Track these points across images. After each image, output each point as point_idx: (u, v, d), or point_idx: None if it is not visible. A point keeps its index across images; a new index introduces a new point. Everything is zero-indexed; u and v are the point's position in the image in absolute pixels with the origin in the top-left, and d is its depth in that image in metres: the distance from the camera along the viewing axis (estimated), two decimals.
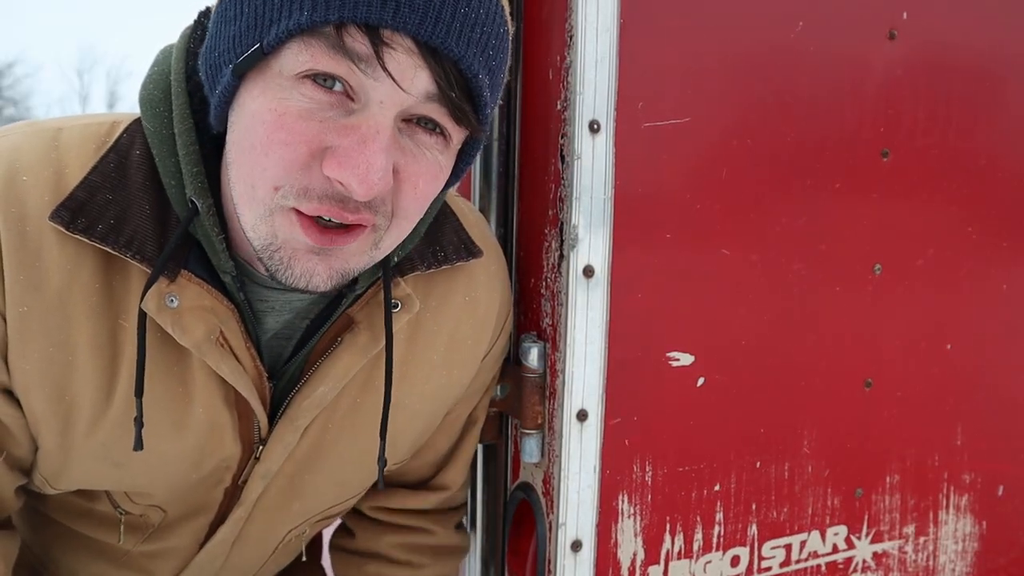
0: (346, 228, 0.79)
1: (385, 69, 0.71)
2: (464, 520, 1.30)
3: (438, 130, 0.79)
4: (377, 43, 0.70)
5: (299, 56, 0.72)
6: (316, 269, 0.79)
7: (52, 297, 0.81)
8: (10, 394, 0.86)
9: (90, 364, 0.84)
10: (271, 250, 0.78)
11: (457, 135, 0.81)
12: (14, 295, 0.80)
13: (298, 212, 0.76)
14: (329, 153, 0.73)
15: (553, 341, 1.11)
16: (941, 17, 1.26)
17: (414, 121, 0.78)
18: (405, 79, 0.73)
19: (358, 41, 0.71)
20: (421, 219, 0.96)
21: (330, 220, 0.77)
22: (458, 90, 0.75)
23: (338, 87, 0.74)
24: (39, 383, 0.84)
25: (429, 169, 0.80)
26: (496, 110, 0.89)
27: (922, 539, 1.39)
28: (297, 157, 0.74)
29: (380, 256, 0.85)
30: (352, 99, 0.74)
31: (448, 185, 0.89)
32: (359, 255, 0.82)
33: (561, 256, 1.08)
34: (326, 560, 1.32)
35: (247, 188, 0.77)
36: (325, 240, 0.77)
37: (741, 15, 1.12)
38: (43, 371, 0.83)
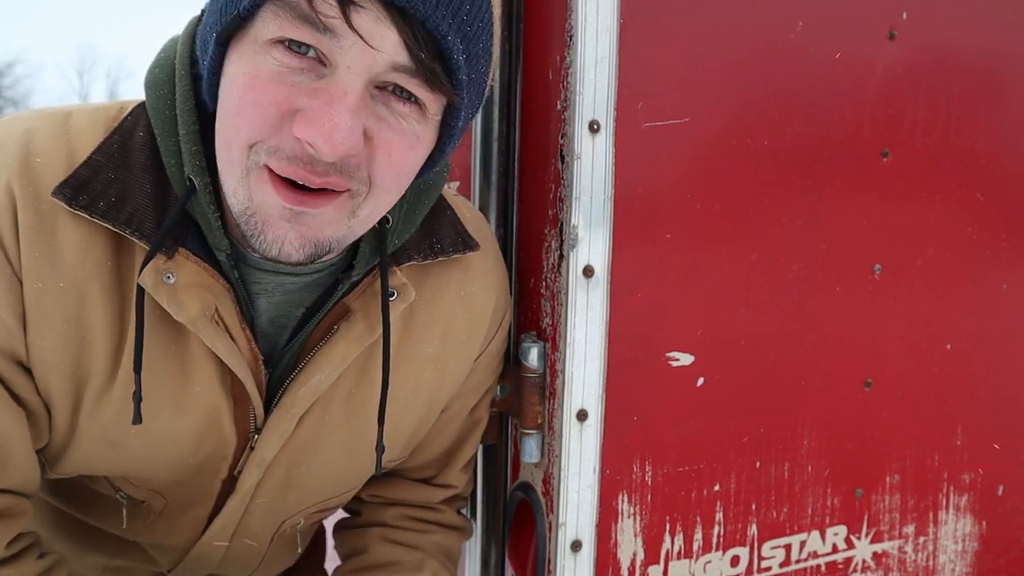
0: (318, 192, 0.80)
1: (353, 28, 0.73)
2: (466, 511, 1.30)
3: (413, 99, 0.80)
4: (345, 4, 0.72)
5: (270, 25, 0.74)
6: (288, 236, 0.80)
7: (67, 274, 0.83)
8: (28, 371, 0.87)
9: (101, 343, 0.86)
10: (247, 215, 0.80)
11: (432, 104, 0.81)
12: (30, 271, 0.82)
13: (270, 171, 0.78)
14: (298, 115, 0.75)
15: (553, 341, 1.11)
16: (941, 17, 1.26)
17: (388, 89, 0.79)
18: (373, 39, 0.74)
19: (326, 2, 0.72)
20: (417, 206, 0.97)
21: (302, 185, 0.79)
22: (427, 51, 0.76)
23: (311, 53, 0.76)
24: (54, 361, 0.86)
25: (404, 137, 0.81)
26: (487, 87, 0.89)
27: (922, 539, 1.39)
28: (267, 117, 0.76)
29: (359, 229, 0.86)
30: (324, 64, 0.76)
31: (433, 160, 0.89)
32: (334, 224, 0.82)
33: (561, 256, 1.08)
34: (329, 564, 1.32)
35: (224, 151, 0.80)
36: (295, 200, 0.78)
37: (741, 15, 1.12)
38: (57, 349, 0.85)
